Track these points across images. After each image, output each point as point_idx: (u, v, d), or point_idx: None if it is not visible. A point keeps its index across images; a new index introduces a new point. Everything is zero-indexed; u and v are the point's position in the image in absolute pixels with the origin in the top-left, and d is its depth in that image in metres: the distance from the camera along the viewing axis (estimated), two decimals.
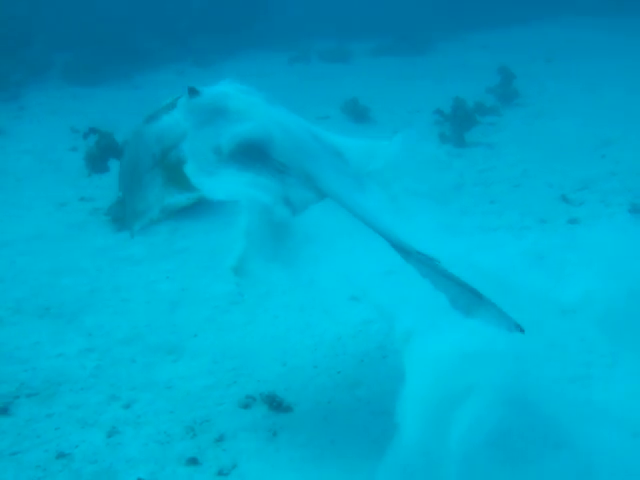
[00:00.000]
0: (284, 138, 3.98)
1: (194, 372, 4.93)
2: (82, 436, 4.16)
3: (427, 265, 3.41)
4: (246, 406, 4.47)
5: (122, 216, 7.79)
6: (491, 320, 3.18)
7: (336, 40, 20.13)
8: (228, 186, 3.74)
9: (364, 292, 6.02)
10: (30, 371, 4.85)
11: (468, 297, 3.25)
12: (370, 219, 3.67)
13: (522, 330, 3.08)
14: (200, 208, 6.87)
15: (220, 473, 3.81)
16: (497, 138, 11.01)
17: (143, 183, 4.10)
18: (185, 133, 4.09)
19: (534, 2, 23.08)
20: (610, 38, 18.48)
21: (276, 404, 4.44)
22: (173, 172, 3.98)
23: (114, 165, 8.07)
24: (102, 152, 7.99)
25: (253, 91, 4.44)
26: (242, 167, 3.84)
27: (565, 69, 15.70)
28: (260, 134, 3.97)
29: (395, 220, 3.75)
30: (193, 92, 4.17)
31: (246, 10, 20.70)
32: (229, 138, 3.97)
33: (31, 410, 4.42)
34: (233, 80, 4.50)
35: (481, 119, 11.16)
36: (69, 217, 8.28)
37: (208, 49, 17.72)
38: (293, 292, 5.89)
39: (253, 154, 3.91)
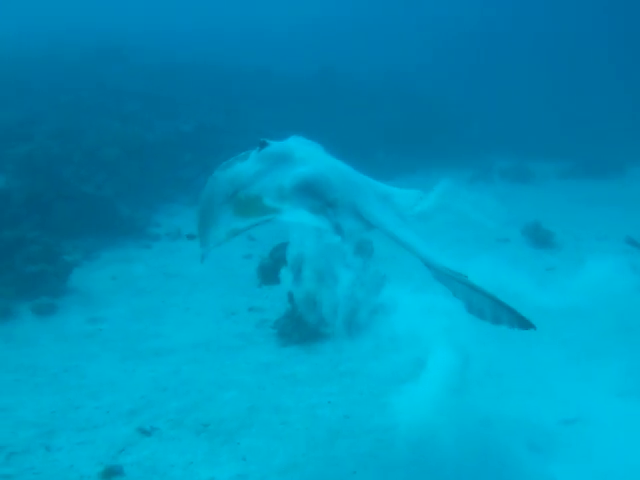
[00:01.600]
0: (337, 179, 5.07)
1: None
2: None
3: (457, 280, 4.25)
4: None
5: (289, 331, 8.02)
6: (512, 323, 4.07)
7: (518, 159, 20.14)
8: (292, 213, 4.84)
9: (546, 442, 5.55)
10: None
11: (493, 306, 4.12)
12: (407, 241, 4.61)
13: (534, 327, 4.03)
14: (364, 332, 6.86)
15: None
16: None
17: (215, 215, 5.20)
18: (254, 176, 5.23)
19: None
20: None
21: None
22: (240, 206, 5.10)
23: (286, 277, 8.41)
24: (275, 263, 8.35)
25: (315, 144, 5.64)
26: (301, 201, 4.89)
27: None
28: (316, 175, 5.06)
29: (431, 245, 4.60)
30: (263, 144, 5.36)
31: (426, 125, 21.42)
32: (291, 178, 5.03)
33: None
34: (299, 135, 5.67)
35: None
36: (236, 327, 8.65)
37: (387, 163, 18.33)
38: (465, 433, 5.55)
39: (310, 191, 4.96)
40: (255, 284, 9.95)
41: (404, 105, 22.89)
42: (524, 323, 4.10)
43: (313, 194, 5.14)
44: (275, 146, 5.71)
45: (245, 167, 5.64)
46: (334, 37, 38.15)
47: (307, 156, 5.53)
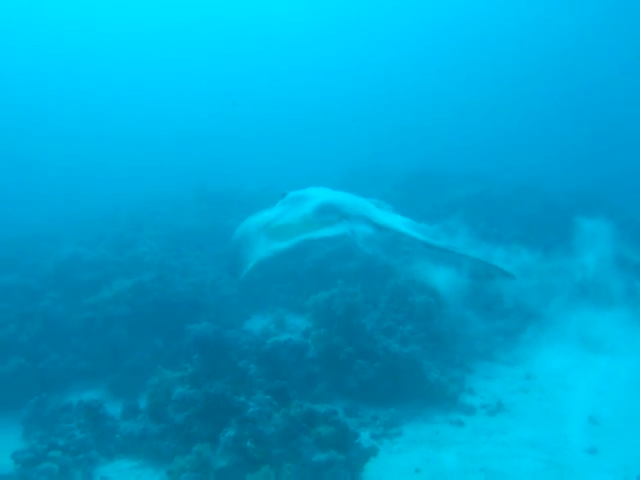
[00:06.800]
0: (346, 200, 7.97)
1: None
2: None
3: (452, 252, 7.35)
4: None
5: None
6: (493, 276, 7.26)
7: None
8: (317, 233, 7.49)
9: None
10: None
11: (482, 266, 7.32)
12: (408, 233, 7.69)
13: (514, 277, 7.28)
14: None
15: None
16: None
17: (251, 242, 7.43)
18: (280, 213, 7.80)
19: None
20: None
21: None
22: (272, 233, 7.45)
23: None
24: None
25: (327, 189, 8.46)
26: (321, 220, 7.55)
27: None
28: (330, 199, 7.93)
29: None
30: (284, 194, 8.36)
31: None
32: (310, 207, 7.71)
33: None
34: (315, 186, 8.54)
35: None
36: None
37: None
38: None
39: (327, 210, 7.67)
40: None
41: None
42: (505, 274, 7.15)
43: (330, 211, 7.58)
44: (294, 192, 8.30)
45: (272, 211, 8.00)
46: None
47: (320, 192, 8.15)
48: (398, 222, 8.04)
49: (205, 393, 8.72)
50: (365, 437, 9.74)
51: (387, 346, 11.65)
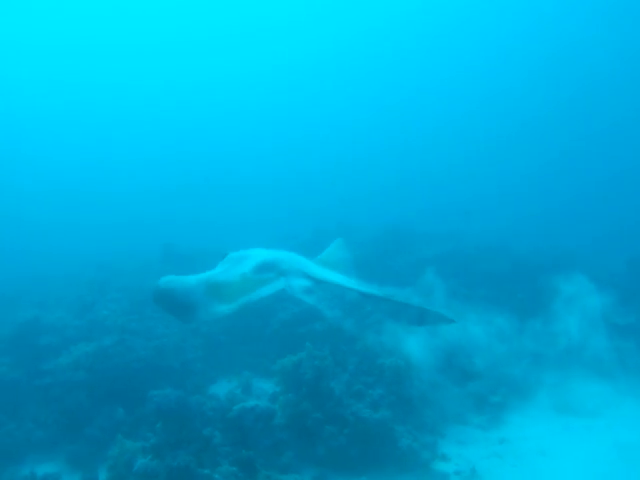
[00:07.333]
0: (284, 257, 8.40)
1: None
2: None
3: (388, 300, 7.69)
4: None
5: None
6: (435, 322, 7.36)
7: None
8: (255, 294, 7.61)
9: None
10: None
11: (418, 312, 7.27)
12: (346, 285, 8.01)
13: (455, 321, 7.28)
14: None
15: None
16: None
17: (189, 287, 7.46)
18: (219, 272, 8.02)
19: None
20: None
21: None
22: (212, 288, 7.51)
23: None
24: None
25: (268, 249, 8.73)
26: (260, 278, 7.82)
27: None
28: (268, 257, 8.30)
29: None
30: (225, 254, 8.62)
31: None
32: (250, 266, 8.03)
33: None
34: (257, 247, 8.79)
35: None
36: None
37: None
38: None
39: (265, 268, 8.03)
40: None
41: None
42: (446, 319, 7.30)
43: (268, 269, 7.92)
44: (234, 253, 8.56)
45: (211, 271, 8.16)
46: None
47: (261, 252, 8.48)
48: (335, 276, 8.50)
49: (168, 466, 8.35)
50: None
51: (357, 411, 11.36)
